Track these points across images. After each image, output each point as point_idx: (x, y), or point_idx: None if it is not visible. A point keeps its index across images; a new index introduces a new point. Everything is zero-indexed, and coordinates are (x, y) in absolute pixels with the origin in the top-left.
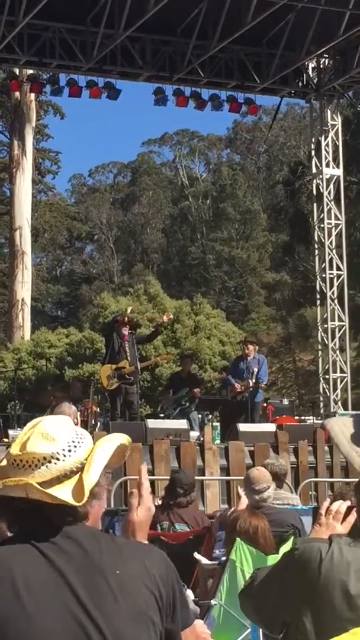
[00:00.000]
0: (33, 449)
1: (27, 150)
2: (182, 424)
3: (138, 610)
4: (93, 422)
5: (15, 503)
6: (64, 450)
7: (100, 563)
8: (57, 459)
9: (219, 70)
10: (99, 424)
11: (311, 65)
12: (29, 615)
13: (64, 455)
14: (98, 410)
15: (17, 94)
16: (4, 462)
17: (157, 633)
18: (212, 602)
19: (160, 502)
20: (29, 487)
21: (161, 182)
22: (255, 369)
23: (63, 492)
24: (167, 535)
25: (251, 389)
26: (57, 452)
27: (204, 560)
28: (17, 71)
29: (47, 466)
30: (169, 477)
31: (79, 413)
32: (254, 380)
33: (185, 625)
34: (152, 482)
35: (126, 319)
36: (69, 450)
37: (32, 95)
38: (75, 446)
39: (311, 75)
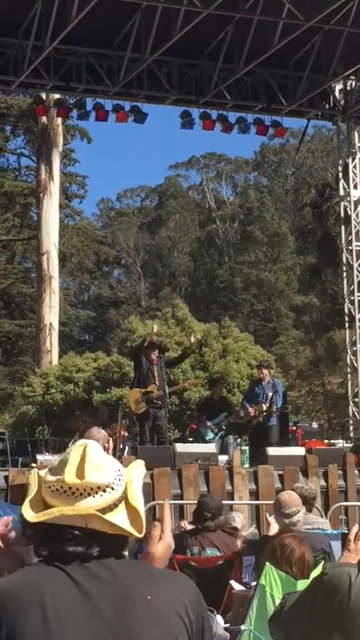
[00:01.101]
0: (92, 478)
1: (54, 175)
2: (210, 447)
3: (168, 637)
4: (121, 447)
5: (62, 531)
6: (115, 479)
7: (131, 589)
8: (112, 488)
9: (246, 93)
10: (127, 448)
11: (338, 87)
12: None
13: (115, 484)
14: (126, 434)
15: (44, 118)
16: (47, 489)
17: None
18: (242, 627)
19: (188, 526)
20: (90, 517)
21: (188, 205)
22: (270, 393)
23: (122, 522)
24: (197, 560)
25: (264, 413)
26: (112, 482)
27: (238, 587)
28: (43, 96)
29: (102, 495)
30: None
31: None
32: (267, 405)
33: None
34: (181, 507)
35: (155, 338)
36: (119, 479)
37: (59, 120)
38: (122, 474)
39: (338, 97)
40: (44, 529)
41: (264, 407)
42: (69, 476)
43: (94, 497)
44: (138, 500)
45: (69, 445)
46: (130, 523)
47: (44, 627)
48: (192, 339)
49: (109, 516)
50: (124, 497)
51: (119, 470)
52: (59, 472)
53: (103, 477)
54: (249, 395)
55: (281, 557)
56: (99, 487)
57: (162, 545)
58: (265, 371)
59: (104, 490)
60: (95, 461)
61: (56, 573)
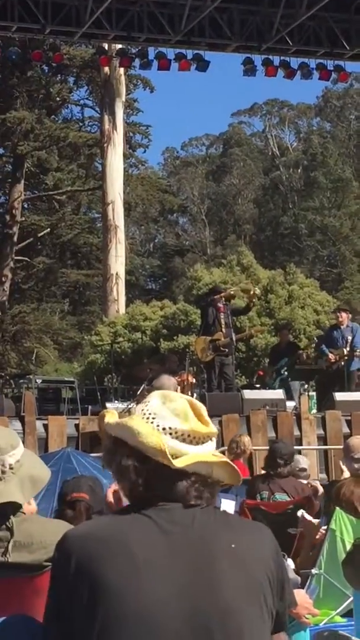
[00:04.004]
0: (213, 427)
1: (117, 125)
2: (278, 394)
3: (253, 586)
4: (189, 394)
5: (184, 477)
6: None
7: (216, 537)
8: (215, 437)
9: (308, 39)
10: (195, 395)
11: None
12: (143, 588)
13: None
14: (194, 381)
15: (107, 69)
16: (167, 436)
17: (269, 611)
18: (313, 571)
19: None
20: (218, 464)
21: (252, 152)
22: (350, 337)
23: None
24: (268, 505)
25: (346, 357)
26: (216, 430)
27: (308, 517)
28: (105, 46)
29: (209, 443)
30: (266, 447)
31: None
32: (348, 349)
33: (290, 607)
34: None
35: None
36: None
37: (122, 70)
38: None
39: None
40: (158, 473)
41: (345, 351)
42: (197, 424)
43: (207, 444)
44: (218, 452)
45: (138, 392)
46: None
47: (131, 573)
48: (252, 292)
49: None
50: None
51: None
52: (180, 420)
53: (213, 426)
54: (328, 340)
55: (349, 502)
56: (210, 435)
57: None
58: (344, 315)
59: (211, 439)
60: (204, 411)
61: (143, 519)
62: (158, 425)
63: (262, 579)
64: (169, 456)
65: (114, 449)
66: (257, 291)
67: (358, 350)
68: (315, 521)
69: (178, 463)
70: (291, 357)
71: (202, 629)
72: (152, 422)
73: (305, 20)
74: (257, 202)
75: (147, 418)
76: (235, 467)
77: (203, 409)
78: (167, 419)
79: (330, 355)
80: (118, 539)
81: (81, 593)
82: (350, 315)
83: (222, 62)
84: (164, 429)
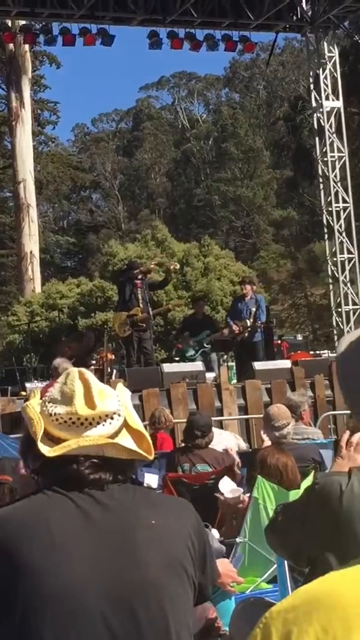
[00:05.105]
0: (103, 407)
1: (25, 102)
2: (197, 366)
3: (174, 561)
4: (109, 370)
5: (76, 460)
6: (118, 403)
7: (135, 514)
8: (119, 415)
9: (212, 10)
10: (114, 371)
11: None
12: (64, 565)
13: (121, 410)
14: (113, 357)
15: (11, 45)
16: (54, 422)
17: (191, 584)
18: (238, 539)
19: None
20: (107, 445)
21: (162, 126)
22: (253, 309)
23: (133, 445)
24: (189, 477)
25: (249, 329)
26: (119, 408)
27: (226, 488)
28: (9, 22)
29: (110, 422)
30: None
31: (93, 361)
32: (251, 320)
33: (213, 579)
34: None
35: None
36: (120, 403)
37: (27, 46)
38: (119, 399)
39: (305, 8)
40: (51, 460)
41: (248, 323)
42: (81, 407)
43: (103, 425)
44: (138, 423)
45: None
46: (137, 446)
47: (50, 553)
48: (171, 267)
49: (120, 442)
50: (125, 422)
51: (117, 396)
52: (66, 403)
53: (111, 405)
54: (232, 312)
55: (268, 469)
56: (107, 415)
57: None
58: (248, 287)
59: (112, 418)
60: (101, 389)
61: (61, 500)
62: (48, 411)
63: (182, 552)
64: (39, 445)
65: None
66: (177, 266)
67: (259, 322)
68: (236, 493)
69: (51, 452)
70: (213, 330)
71: (123, 605)
72: (45, 407)
73: None
74: (170, 175)
75: (44, 402)
76: (129, 445)
77: (98, 388)
78: (57, 403)
79: (234, 327)
80: (37, 520)
81: (2, 575)
82: (255, 287)
83: (128, 36)
84: (50, 414)
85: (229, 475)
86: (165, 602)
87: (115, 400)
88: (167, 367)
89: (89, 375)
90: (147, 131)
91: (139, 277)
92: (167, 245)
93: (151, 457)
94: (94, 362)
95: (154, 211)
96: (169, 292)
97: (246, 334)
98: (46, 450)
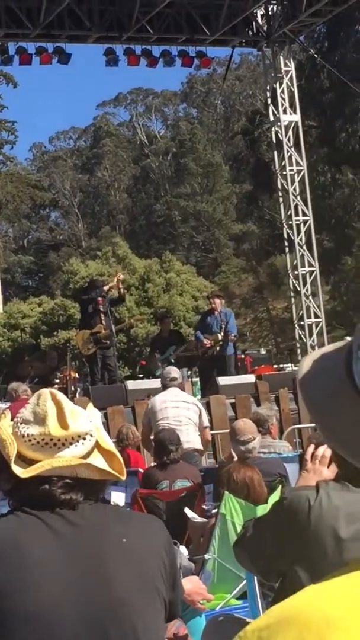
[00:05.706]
0: (75, 428)
1: None
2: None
3: (145, 579)
4: (73, 389)
5: (49, 481)
6: (90, 423)
7: (106, 533)
8: (91, 435)
9: (168, 26)
10: (78, 389)
11: (260, 12)
12: (36, 586)
13: (93, 431)
14: (77, 376)
15: None
16: (26, 443)
17: (162, 602)
18: (206, 556)
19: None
20: (80, 465)
21: (120, 143)
22: (223, 323)
23: (105, 466)
24: (161, 493)
25: (221, 342)
26: (91, 429)
27: (194, 517)
28: None
29: (83, 443)
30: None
31: (57, 380)
32: (222, 334)
33: (180, 597)
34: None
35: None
36: (92, 423)
37: None
38: (90, 420)
39: (261, 23)
40: (23, 481)
41: (219, 336)
42: (54, 428)
43: (76, 445)
44: (109, 443)
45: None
46: (109, 466)
47: (22, 573)
48: (115, 280)
49: (92, 462)
50: (96, 442)
51: (88, 416)
52: (39, 424)
53: (83, 425)
54: (202, 326)
55: (235, 485)
56: (79, 436)
57: None
58: (217, 301)
59: (84, 438)
60: (73, 410)
61: (32, 521)
62: (21, 432)
63: (153, 570)
64: (13, 466)
65: None
66: (122, 276)
67: (232, 335)
68: (197, 518)
69: (24, 474)
70: (179, 345)
71: (96, 624)
72: (17, 428)
73: (164, 7)
74: (129, 191)
75: (16, 423)
76: (102, 465)
77: (70, 409)
78: (29, 424)
79: (206, 341)
80: (7, 541)
81: None
82: (223, 301)
83: (85, 54)
84: (22, 435)
85: (200, 492)
86: (136, 621)
87: (87, 420)
88: (132, 384)
89: (61, 396)
90: (106, 148)
91: (102, 294)
92: (128, 262)
93: (123, 478)
94: (57, 380)
95: (115, 228)
96: (131, 309)
97: (217, 348)
98: (20, 471)
